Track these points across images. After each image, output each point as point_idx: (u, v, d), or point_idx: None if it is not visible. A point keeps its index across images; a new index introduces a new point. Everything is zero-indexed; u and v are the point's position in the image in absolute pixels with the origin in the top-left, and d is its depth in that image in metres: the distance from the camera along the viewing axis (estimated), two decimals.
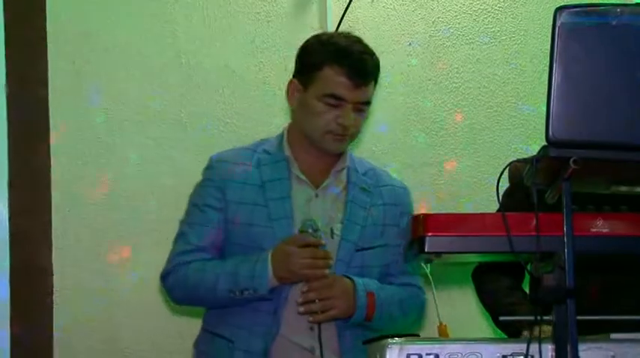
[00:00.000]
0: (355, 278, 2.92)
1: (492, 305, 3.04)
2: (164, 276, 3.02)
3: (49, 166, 3.71)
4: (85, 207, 3.74)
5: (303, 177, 2.99)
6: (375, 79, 3.00)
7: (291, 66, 3.81)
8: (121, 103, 3.81)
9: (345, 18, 3.90)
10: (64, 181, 3.73)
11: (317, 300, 2.85)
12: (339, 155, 3.04)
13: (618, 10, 2.05)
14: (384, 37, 3.98)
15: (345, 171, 3.04)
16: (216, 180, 3.00)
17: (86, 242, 3.74)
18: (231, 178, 2.98)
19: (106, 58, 3.81)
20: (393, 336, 2.27)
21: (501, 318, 2.70)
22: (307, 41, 3.04)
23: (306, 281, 2.86)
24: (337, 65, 2.92)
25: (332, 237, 2.93)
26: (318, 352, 2.88)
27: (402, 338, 2.25)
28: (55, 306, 3.69)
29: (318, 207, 2.97)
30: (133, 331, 3.66)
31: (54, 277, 3.69)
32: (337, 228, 2.95)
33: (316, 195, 2.99)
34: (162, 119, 3.83)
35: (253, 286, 2.86)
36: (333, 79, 2.92)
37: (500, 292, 3.00)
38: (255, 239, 2.93)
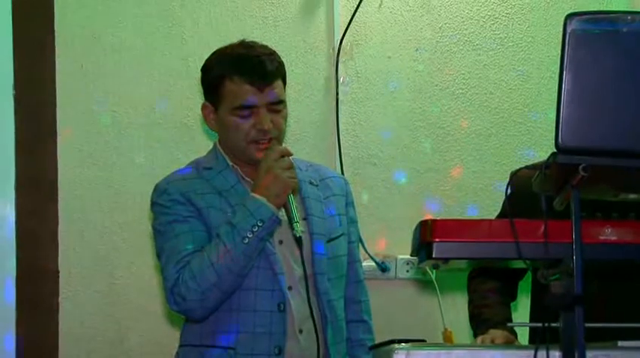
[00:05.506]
0: None
1: (469, 306, 3.05)
2: (172, 290, 2.80)
3: (56, 168, 3.72)
4: (92, 209, 3.75)
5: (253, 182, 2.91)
6: (282, 77, 2.94)
7: (297, 70, 3.83)
8: (128, 106, 3.81)
9: (352, 23, 3.90)
10: (71, 183, 3.74)
11: None
12: None
13: (629, 17, 2.05)
14: (391, 43, 3.98)
15: None
16: (177, 197, 2.89)
17: (92, 244, 3.74)
18: (190, 190, 2.90)
19: (114, 61, 3.82)
20: (399, 341, 2.27)
21: (509, 325, 2.69)
22: (205, 61, 3.00)
23: (292, 191, 2.83)
24: (235, 75, 2.88)
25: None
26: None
27: (409, 344, 2.25)
28: (61, 308, 3.69)
29: None
30: (138, 333, 3.65)
31: (60, 279, 3.70)
32: (302, 225, 2.88)
33: None
34: (169, 122, 3.84)
35: (258, 218, 2.76)
36: (237, 89, 2.88)
37: (478, 294, 3.01)
38: None
